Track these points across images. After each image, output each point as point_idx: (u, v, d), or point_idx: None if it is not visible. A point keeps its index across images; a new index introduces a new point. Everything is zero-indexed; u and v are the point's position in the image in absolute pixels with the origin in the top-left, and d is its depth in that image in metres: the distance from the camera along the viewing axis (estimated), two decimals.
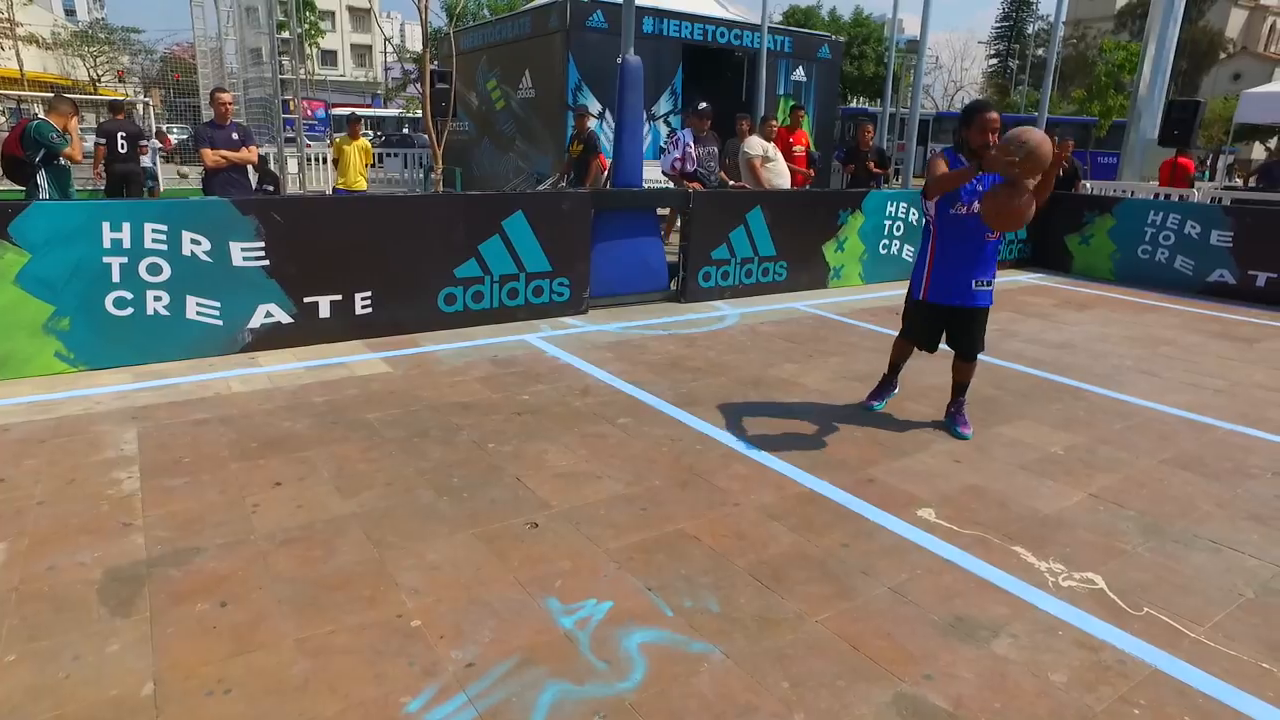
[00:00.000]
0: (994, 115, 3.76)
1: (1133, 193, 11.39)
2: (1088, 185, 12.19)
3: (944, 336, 4.15)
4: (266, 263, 4.98)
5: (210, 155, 6.76)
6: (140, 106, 20.31)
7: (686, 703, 2.08)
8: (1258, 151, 40.63)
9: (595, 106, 11.34)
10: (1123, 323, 7.01)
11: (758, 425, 4.12)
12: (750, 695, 2.12)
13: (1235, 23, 58.45)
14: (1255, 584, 2.78)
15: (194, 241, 4.72)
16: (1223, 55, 53.59)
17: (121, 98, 18.55)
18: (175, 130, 24.45)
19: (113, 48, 30.40)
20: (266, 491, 3.18)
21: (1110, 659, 2.35)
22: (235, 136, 6.94)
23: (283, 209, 5.06)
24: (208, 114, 13.04)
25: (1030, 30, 55.26)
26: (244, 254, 4.91)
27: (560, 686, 2.12)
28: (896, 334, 4.38)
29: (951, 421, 4.16)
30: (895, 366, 4.44)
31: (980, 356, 4.15)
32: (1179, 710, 2.13)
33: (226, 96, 6.99)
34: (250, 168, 8.06)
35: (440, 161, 10.93)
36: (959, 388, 4.20)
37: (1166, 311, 7.61)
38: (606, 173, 8.90)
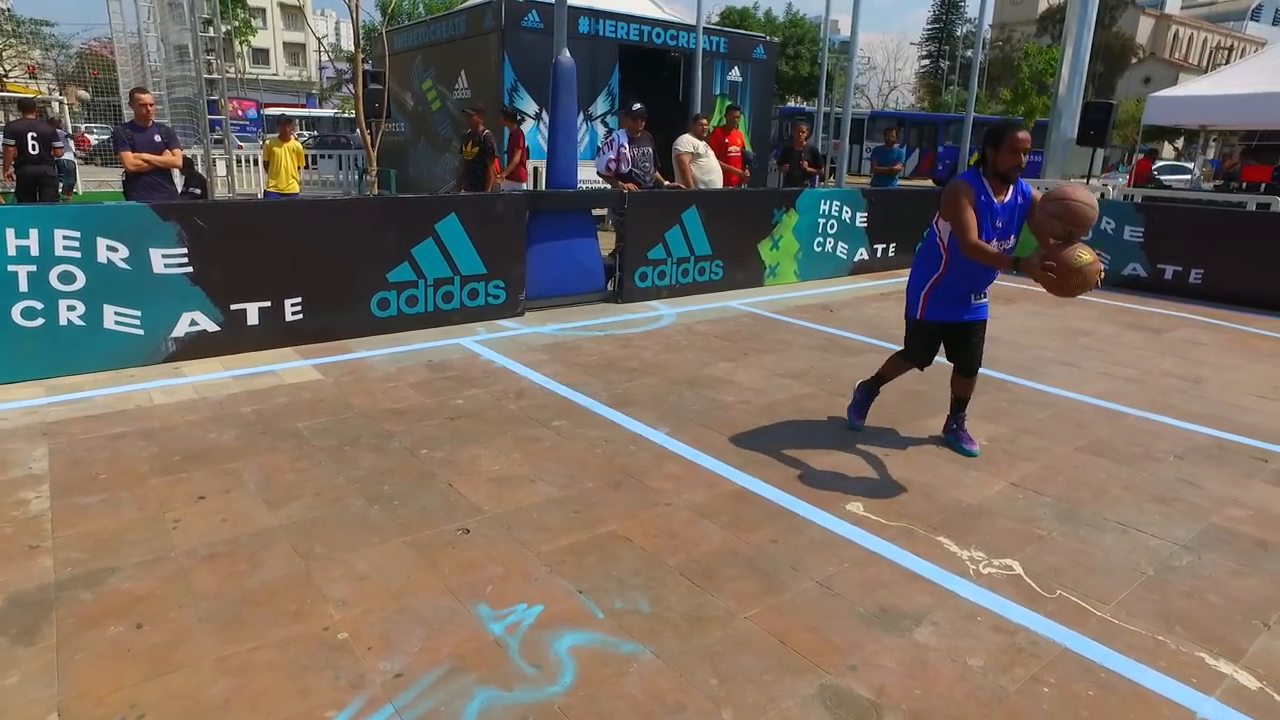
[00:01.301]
0: (1024, 136, 3.42)
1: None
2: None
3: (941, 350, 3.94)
4: (190, 269, 4.82)
5: (130, 158, 6.50)
6: (55, 105, 19.40)
7: (615, 704, 2.09)
8: (1167, 151, 42.61)
9: (532, 107, 11.29)
10: (1045, 315, 7.29)
11: (691, 424, 4.16)
12: (679, 694, 2.15)
13: (1144, 30, 61.59)
14: (1156, 563, 2.93)
15: (110, 248, 4.54)
16: (1134, 60, 56.12)
17: (33, 95, 17.70)
18: (95, 130, 23.46)
19: (21, 41, 28.91)
20: (189, 506, 3.09)
21: (1024, 641, 2.45)
22: (158, 139, 6.69)
23: (206, 214, 4.90)
24: (129, 114, 12.55)
25: (960, 32, 56.93)
26: (165, 261, 4.74)
27: (489, 693, 2.11)
28: (894, 352, 4.14)
29: (955, 439, 3.97)
30: (882, 379, 4.17)
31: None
32: (1084, 686, 2.24)
33: (147, 97, 6.74)
34: (176, 170, 7.79)
35: (375, 163, 10.73)
36: (959, 403, 4.00)
37: (1085, 304, 7.94)
38: (511, 175, 8.82)
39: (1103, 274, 3.13)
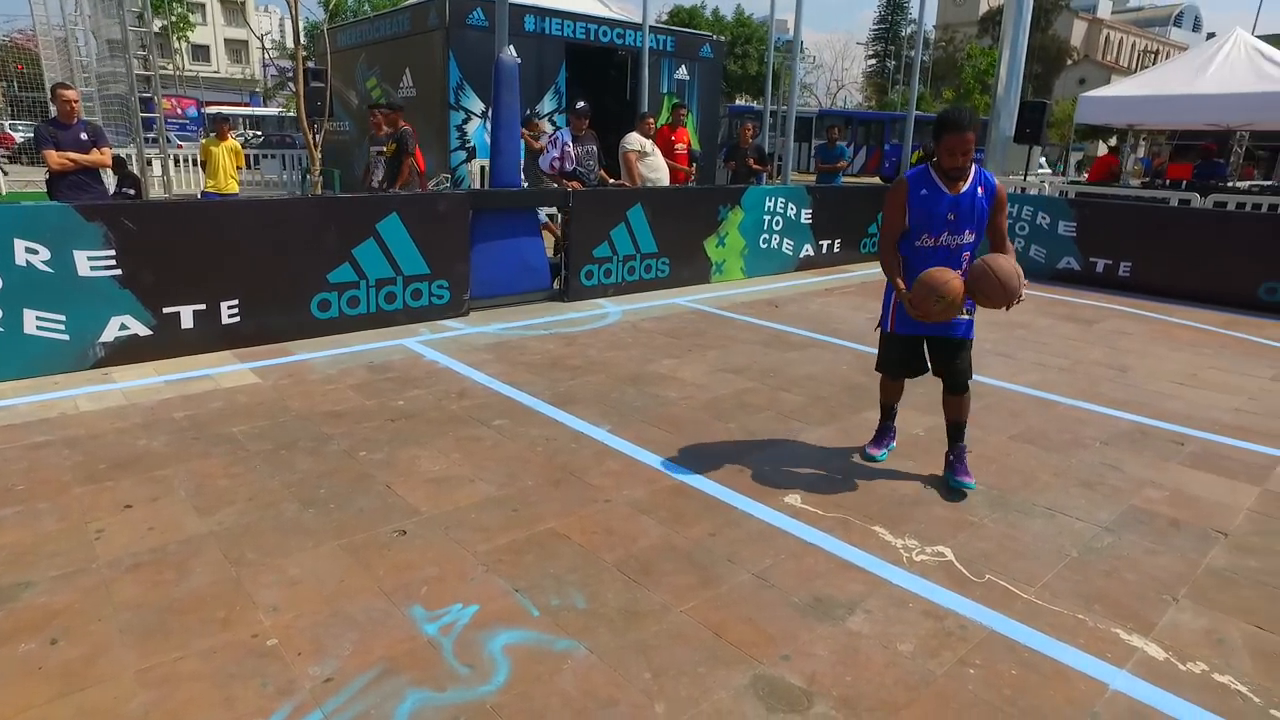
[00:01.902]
0: (964, 137, 3.17)
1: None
2: None
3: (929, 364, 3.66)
4: (118, 272, 4.67)
5: (55, 157, 6.25)
6: None
7: (549, 701, 2.09)
8: (1101, 149, 44.09)
9: (478, 105, 11.18)
10: (984, 309, 7.46)
11: (633, 421, 4.18)
12: (612, 689, 2.16)
13: (1078, 33, 63.76)
14: (1079, 545, 3.04)
15: (29, 250, 4.37)
16: (1070, 62, 57.97)
17: None
18: (20, 128, 22.52)
19: None
20: (114, 515, 3.00)
21: (953, 625, 2.52)
22: (84, 136, 6.44)
23: (134, 214, 4.75)
24: (54, 110, 12.07)
25: (905, 33, 58.10)
26: (91, 263, 4.58)
27: (421, 695, 2.09)
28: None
29: (951, 472, 3.52)
30: (887, 410, 3.89)
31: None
32: (1008, 666, 2.31)
33: (71, 93, 6.48)
34: (108, 171, 7.51)
35: (318, 163, 10.52)
36: (953, 429, 3.58)
37: (1024, 297, 8.15)
38: (440, 174, 8.62)
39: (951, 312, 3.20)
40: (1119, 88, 13.49)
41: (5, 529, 2.85)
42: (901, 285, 3.37)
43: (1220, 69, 11.20)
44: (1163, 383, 5.23)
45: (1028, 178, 12.52)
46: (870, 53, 62.62)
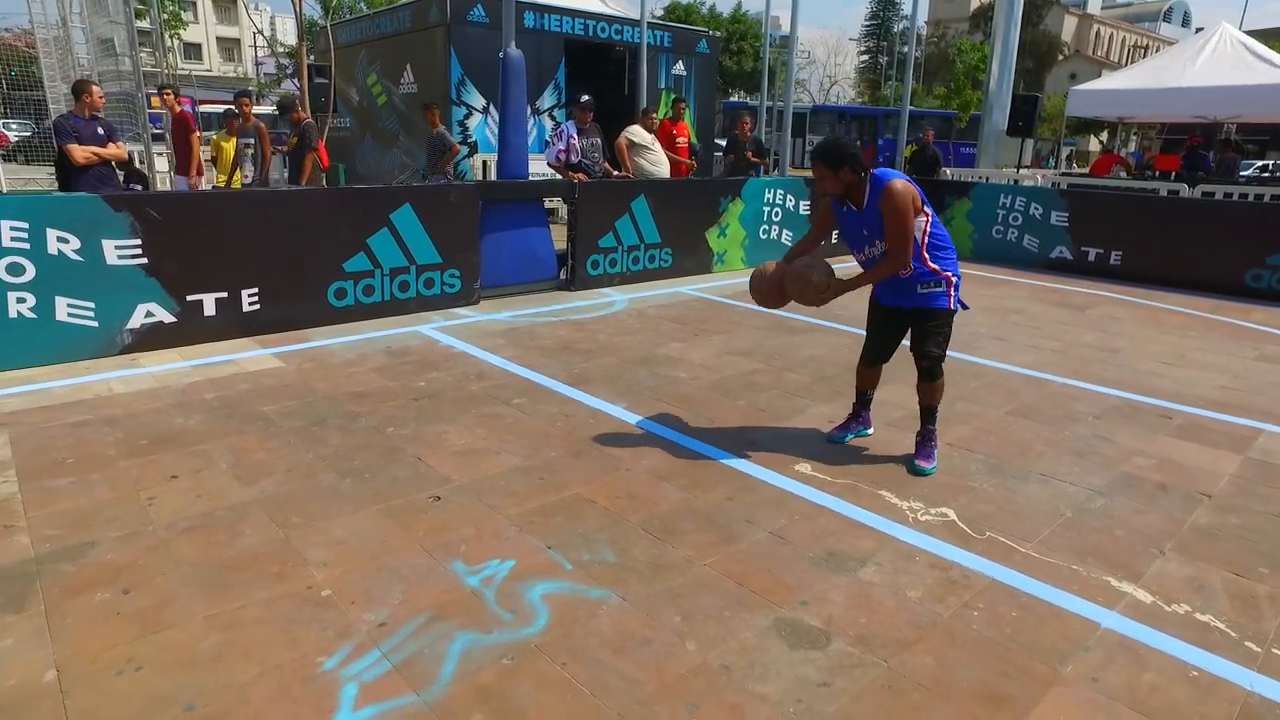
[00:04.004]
0: (814, 167, 3.47)
1: (987, 178, 12.38)
2: (948, 173, 13.16)
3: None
4: (144, 261, 4.82)
5: (80, 152, 6.36)
6: None
7: (588, 640, 2.27)
8: (1094, 145, 44.53)
9: (479, 101, 11.33)
10: (980, 295, 7.67)
11: (646, 399, 4.35)
12: (646, 630, 2.34)
13: (1069, 28, 64.07)
14: (1073, 506, 3.24)
15: (61, 240, 4.52)
16: (1061, 57, 58.33)
17: None
18: (14, 127, 22.50)
19: None
20: (162, 485, 3.16)
21: (957, 575, 2.70)
22: (100, 131, 6.58)
23: (160, 205, 4.90)
24: (55, 108, 12.09)
25: (897, 29, 58.35)
26: (119, 252, 4.74)
27: (469, 636, 2.27)
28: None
29: (913, 454, 3.60)
30: (861, 394, 3.89)
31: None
32: (1008, 609, 2.50)
33: (99, 90, 6.63)
34: (115, 167, 7.62)
35: (323, 159, 10.64)
36: (923, 412, 3.63)
37: (1016, 285, 8.38)
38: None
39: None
40: (1109, 81, 13.73)
41: (63, 497, 3.02)
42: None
43: (1207, 63, 11.45)
44: (1151, 363, 5.44)
45: (1020, 171, 12.73)
46: (863, 48, 62.90)
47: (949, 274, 3.45)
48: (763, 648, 2.27)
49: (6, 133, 23.21)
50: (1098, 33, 67.23)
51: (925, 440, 3.61)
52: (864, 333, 3.81)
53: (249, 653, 2.17)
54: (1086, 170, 17.03)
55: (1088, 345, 5.88)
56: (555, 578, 2.59)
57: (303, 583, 2.50)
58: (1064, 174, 14.48)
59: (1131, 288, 8.37)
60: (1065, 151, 29.41)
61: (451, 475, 3.32)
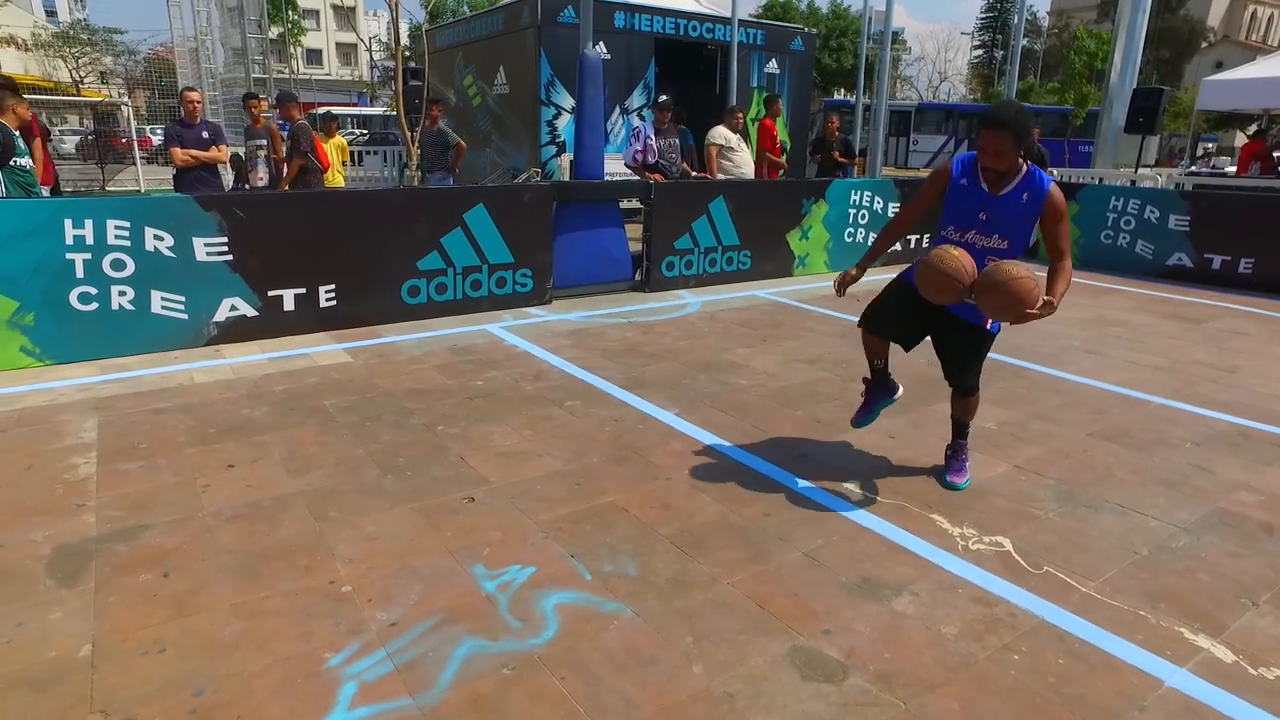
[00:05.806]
0: (995, 134, 2.86)
1: (1101, 179, 11.55)
2: (1054, 173, 12.34)
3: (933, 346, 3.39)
4: (230, 257, 5.10)
5: (179, 154, 6.86)
6: (123, 109, 20.27)
7: (592, 655, 2.22)
8: (1239, 140, 40.86)
9: (568, 101, 11.45)
10: (1078, 305, 7.16)
11: (701, 406, 4.26)
12: (654, 649, 2.26)
13: (1217, 11, 58.63)
14: (1152, 543, 2.94)
15: (156, 237, 4.83)
16: (1204, 44, 53.85)
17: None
18: (158, 132, 24.45)
19: (94, 49, 30.28)
20: (219, 473, 3.31)
21: (1003, 612, 2.50)
22: (205, 135, 7.04)
23: (244, 205, 5.18)
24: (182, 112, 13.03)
25: (1015, 21, 55.51)
26: (207, 249, 5.02)
27: (475, 642, 2.26)
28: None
29: (944, 468, 3.44)
30: (874, 367, 3.47)
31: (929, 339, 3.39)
32: (1055, 655, 2.28)
33: (195, 95, 7.09)
34: (227, 168, 8.08)
35: (415, 159, 11.02)
36: (956, 426, 3.44)
37: (1123, 294, 7.77)
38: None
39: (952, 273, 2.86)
40: (1250, 70, 12.54)
41: (131, 480, 3.21)
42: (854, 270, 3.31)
43: None
44: (1275, 385, 4.91)
45: (1139, 170, 11.82)
46: (976, 43, 60.10)
47: None
48: (773, 677, 2.15)
49: (151, 137, 25.25)
50: (1254, 14, 60.75)
51: (956, 454, 3.44)
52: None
53: (263, 643, 2.23)
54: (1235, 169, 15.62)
55: (1198, 362, 5.37)
56: (572, 587, 2.55)
57: (326, 577, 2.56)
58: (1190, 173, 13.34)
59: (1264, 299, 7.60)
60: (1199, 149, 27.14)
61: (490, 476, 3.34)
